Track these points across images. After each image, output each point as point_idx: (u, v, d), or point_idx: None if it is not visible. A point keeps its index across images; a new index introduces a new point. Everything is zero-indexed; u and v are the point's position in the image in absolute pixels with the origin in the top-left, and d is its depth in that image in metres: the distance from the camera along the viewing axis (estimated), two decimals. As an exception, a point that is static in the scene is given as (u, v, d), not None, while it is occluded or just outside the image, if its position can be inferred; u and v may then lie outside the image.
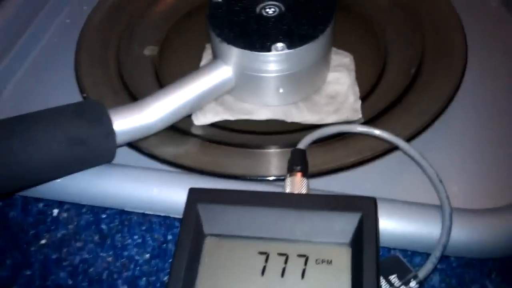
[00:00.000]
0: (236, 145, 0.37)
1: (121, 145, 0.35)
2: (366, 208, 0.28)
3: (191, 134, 0.38)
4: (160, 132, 0.36)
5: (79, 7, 0.49)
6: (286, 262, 0.27)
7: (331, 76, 0.41)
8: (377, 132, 0.35)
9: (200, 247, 0.28)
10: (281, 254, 0.28)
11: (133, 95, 0.41)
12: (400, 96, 0.39)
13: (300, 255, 0.28)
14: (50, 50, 0.47)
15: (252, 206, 0.29)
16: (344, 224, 0.28)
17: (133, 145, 0.36)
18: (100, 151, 0.33)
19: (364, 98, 0.40)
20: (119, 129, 0.34)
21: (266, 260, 0.28)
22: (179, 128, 0.38)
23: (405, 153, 0.35)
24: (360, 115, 0.38)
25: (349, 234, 0.28)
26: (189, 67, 0.40)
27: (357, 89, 0.40)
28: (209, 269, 0.27)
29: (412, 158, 0.34)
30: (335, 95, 0.40)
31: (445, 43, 0.43)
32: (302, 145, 0.34)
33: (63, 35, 0.48)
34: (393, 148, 0.35)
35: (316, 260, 0.27)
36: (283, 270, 0.27)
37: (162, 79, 0.43)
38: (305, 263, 0.27)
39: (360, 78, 0.41)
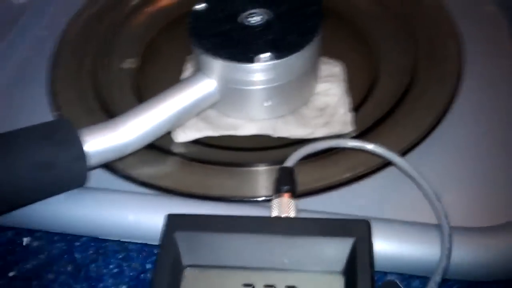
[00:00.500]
0: (220, 163, 0.35)
1: (94, 167, 0.32)
2: (359, 232, 0.26)
3: (171, 152, 0.36)
4: (137, 152, 0.34)
5: (56, 20, 0.47)
6: (273, 294, 0.25)
7: (320, 87, 0.39)
8: (369, 146, 0.33)
9: (179, 280, 0.26)
10: (268, 286, 0.25)
11: (110, 112, 0.38)
12: (393, 107, 0.37)
13: (289, 286, 0.25)
14: (24, 64, 0.44)
15: (235, 233, 0.26)
16: (336, 251, 0.26)
17: (108, 166, 0.33)
18: (71, 175, 0.31)
19: (355, 109, 0.38)
20: (91, 150, 0.31)
21: (251, 293, 0.25)
22: (158, 146, 0.35)
23: (400, 169, 0.33)
24: (351, 128, 0.36)
25: (342, 262, 0.26)
26: (171, 80, 0.37)
27: (348, 100, 0.38)
28: (189, 304, 0.25)
29: (408, 175, 0.32)
30: (325, 107, 0.38)
31: (439, 51, 0.41)
32: (289, 162, 0.32)
33: (38, 49, 0.45)
34: (387, 163, 0.33)
35: (307, 291, 0.25)
36: (270, 304, 0.25)
37: (142, 94, 0.40)
38: (294, 295, 0.25)
39: (351, 88, 0.39)
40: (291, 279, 0.25)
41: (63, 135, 0.30)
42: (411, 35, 0.42)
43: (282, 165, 0.32)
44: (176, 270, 0.26)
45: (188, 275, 0.26)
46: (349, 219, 0.27)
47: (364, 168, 0.33)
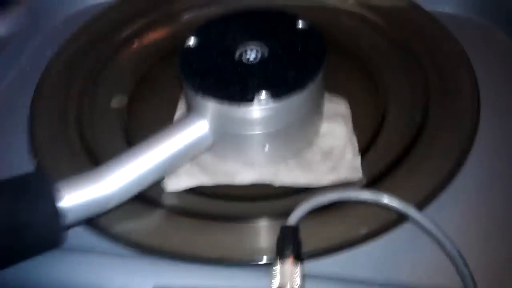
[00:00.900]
0: (214, 217, 0.31)
1: (74, 225, 0.29)
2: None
3: (160, 204, 0.32)
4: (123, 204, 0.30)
5: (40, 54, 0.44)
6: None
7: (325, 127, 0.35)
8: (385, 200, 0.29)
9: None
10: None
11: (95, 156, 0.35)
12: (406, 150, 0.34)
13: None
14: (3, 102, 0.41)
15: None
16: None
17: (89, 221, 0.30)
18: (44, 235, 0.27)
19: (363, 152, 0.34)
20: (69, 205, 0.28)
21: None
22: (145, 197, 0.32)
23: (418, 225, 0.29)
24: (360, 174, 0.33)
25: None
26: (163, 120, 0.35)
27: (355, 142, 0.34)
28: None
29: (427, 232, 0.28)
30: (331, 150, 0.34)
31: (451, 83, 0.37)
32: (292, 220, 0.28)
33: (19, 86, 0.42)
34: (402, 217, 0.29)
35: None
36: None
37: (131, 136, 0.37)
38: None
39: (357, 127, 0.35)
40: None
41: (37, 190, 0.27)
42: (420, 67, 0.39)
43: (285, 224, 0.28)
44: None
45: None
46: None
47: (377, 224, 0.30)
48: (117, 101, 0.39)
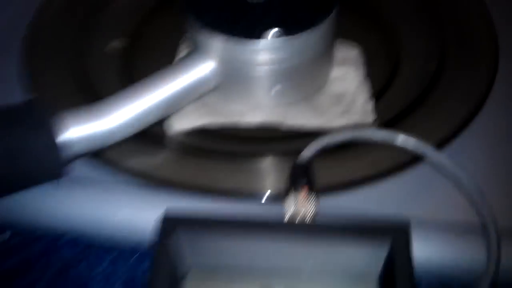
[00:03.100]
0: (222, 154, 0.30)
1: (76, 157, 0.27)
2: (396, 239, 0.21)
3: (166, 143, 0.31)
4: (129, 142, 0.29)
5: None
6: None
7: (336, 72, 0.34)
8: (400, 139, 0.28)
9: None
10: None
11: (94, 95, 0.33)
12: (421, 97, 0.33)
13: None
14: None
15: (244, 239, 0.21)
16: (369, 259, 0.21)
17: (97, 155, 0.29)
18: (44, 165, 0.26)
19: (376, 98, 0.33)
20: (71, 137, 0.26)
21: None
22: (152, 135, 0.30)
23: (434, 164, 0.28)
24: (372, 119, 0.31)
25: (376, 270, 0.21)
26: (166, 62, 0.32)
27: (368, 86, 0.33)
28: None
29: (444, 170, 0.27)
30: (342, 94, 0.33)
31: (469, 31, 0.36)
32: (306, 154, 0.27)
33: (11, 28, 0.40)
34: (417, 158, 0.28)
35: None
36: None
37: (130, 79, 0.35)
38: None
39: (370, 74, 0.34)
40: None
41: (36, 120, 0.25)
42: (436, 15, 0.37)
43: (298, 159, 0.27)
44: (173, 277, 0.21)
45: (189, 281, 0.21)
46: (383, 223, 0.22)
47: (390, 164, 0.28)
48: (118, 43, 0.37)
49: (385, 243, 0.21)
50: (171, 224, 0.22)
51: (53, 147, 0.25)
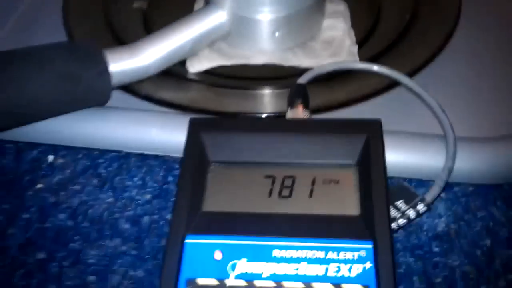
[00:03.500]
0: (233, 87, 0.37)
1: (115, 87, 0.34)
2: (372, 129, 0.28)
3: (188, 79, 0.38)
4: (156, 78, 0.35)
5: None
6: (293, 183, 0.27)
7: (327, 22, 0.41)
8: (377, 67, 0.35)
9: (205, 175, 0.28)
10: (288, 177, 0.27)
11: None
12: (398, 39, 0.39)
13: (306, 176, 0.27)
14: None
15: (256, 132, 0.28)
16: (350, 146, 0.28)
17: (129, 88, 0.35)
18: (94, 90, 0.32)
19: (360, 44, 0.39)
20: (114, 69, 0.33)
21: (273, 183, 0.27)
22: (174, 73, 0.37)
23: (406, 86, 0.35)
24: (357, 58, 0.38)
25: (356, 155, 0.28)
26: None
27: (353, 34, 0.40)
28: (215, 194, 0.27)
29: (415, 92, 0.34)
30: (331, 40, 0.40)
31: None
32: (302, 80, 0.34)
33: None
34: (394, 84, 0.35)
35: (323, 180, 0.27)
36: (291, 191, 0.27)
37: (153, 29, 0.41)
38: (313, 183, 0.27)
39: (354, 26, 0.41)
40: (308, 171, 0.27)
41: (88, 52, 0.32)
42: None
43: (296, 83, 0.34)
44: (202, 166, 0.28)
45: (214, 169, 0.28)
46: (361, 119, 0.29)
47: (372, 89, 0.35)
48: (139, 4, 0.44)
49: (362, 133, 0.28)
50: (196, 125, 0.29)
51: (105, 75, 0.32)
